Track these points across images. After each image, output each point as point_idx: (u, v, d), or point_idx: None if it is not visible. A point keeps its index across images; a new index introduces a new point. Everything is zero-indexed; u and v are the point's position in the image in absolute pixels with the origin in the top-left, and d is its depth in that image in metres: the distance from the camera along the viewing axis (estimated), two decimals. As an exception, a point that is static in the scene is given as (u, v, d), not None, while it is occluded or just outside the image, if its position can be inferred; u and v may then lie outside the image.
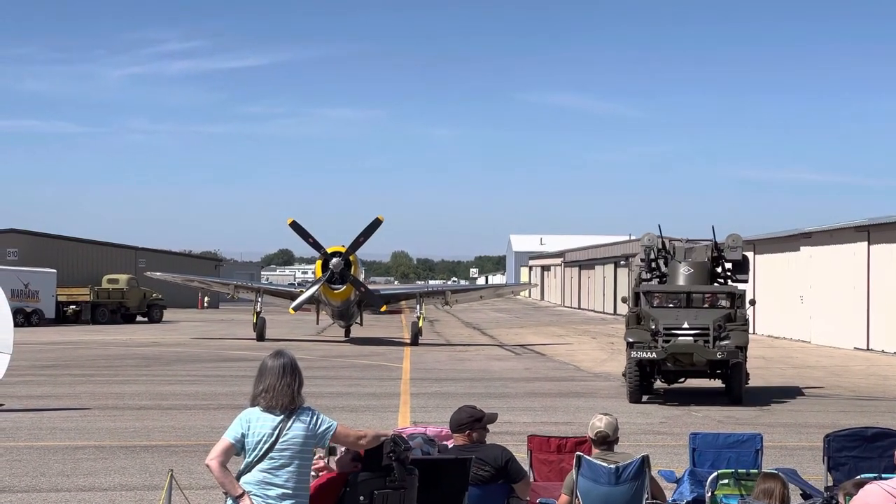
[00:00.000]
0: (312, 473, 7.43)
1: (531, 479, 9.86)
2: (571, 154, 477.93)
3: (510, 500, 9.13)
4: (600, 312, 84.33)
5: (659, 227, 27.24)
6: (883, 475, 8.33)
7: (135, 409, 21.78)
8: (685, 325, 23.81)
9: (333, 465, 7.72)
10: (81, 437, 17.91)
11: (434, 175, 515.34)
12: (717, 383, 25.31)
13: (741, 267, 27.06)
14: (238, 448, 7.01)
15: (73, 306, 63.13)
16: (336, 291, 43.76)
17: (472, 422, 9.12)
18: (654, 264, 26.91)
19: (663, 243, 27.29)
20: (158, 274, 56.39)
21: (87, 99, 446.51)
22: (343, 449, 7.65)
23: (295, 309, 45.83)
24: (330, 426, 7.15)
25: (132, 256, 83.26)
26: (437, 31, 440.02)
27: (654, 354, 23.40)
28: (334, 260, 43.30)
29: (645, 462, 8.82)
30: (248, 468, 7.01)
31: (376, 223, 43.31)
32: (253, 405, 7.12)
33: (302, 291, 47.25)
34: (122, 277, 67.18)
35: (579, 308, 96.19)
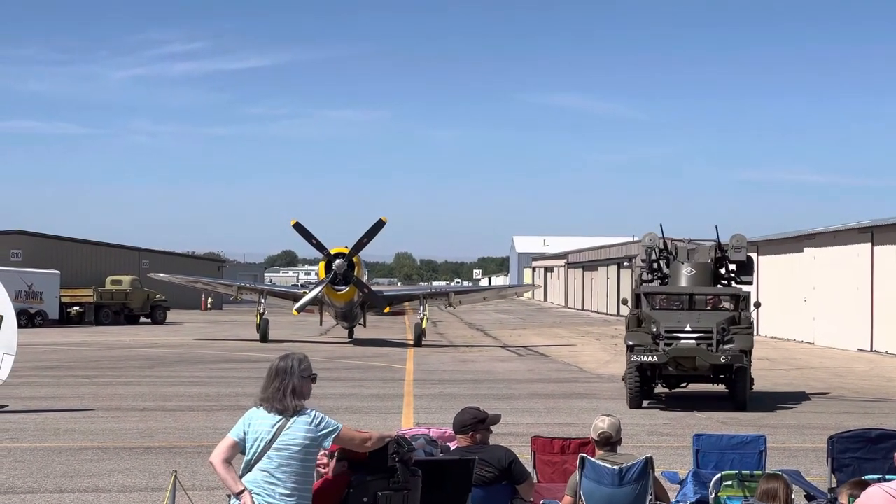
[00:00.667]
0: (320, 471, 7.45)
1: (534, 481, 9.87)
2: (574, 155, 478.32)
3: (513, 502, 9.13)
4: (603, 314, 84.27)
5: (661, 226, 26.71)
6: (887, 476, 8.33)
7: (138, 411, 21.79)
8: (688, 328, 23.12)
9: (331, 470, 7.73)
10: (85, 438, 17.92)
11: (437, 176, 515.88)
12: (721, 388, 24.53)
13: (745, 268, 26.41)
14: (241, 446, 7.08)
15: (77, 308, 63.17)
16: (339, 293, 43.77)
17: (476, 423, 9.11)
18: (655, 265, 26.17)
19: (665, 244, 26.56)
20: (162, 275, 56.42)
21: (90, 100, 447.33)
22: (336, 459, 7.67)
23: (298, 310, 45.84)
24: (333, 429, 7.16)
25: (135, 258, 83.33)
26: (439, 33, 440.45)
27: (656, 358, 22.72)
28: (338, 261, 43.30)
29: (648, 463, 8.81)
30: (249, 467, 7.05)
31: (380, 224, 43.32)
32: (260, 405, 7.18)
33: (305, 293, 47.25)
34: (126, 279, 67.25)
35: (582, 309, 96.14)
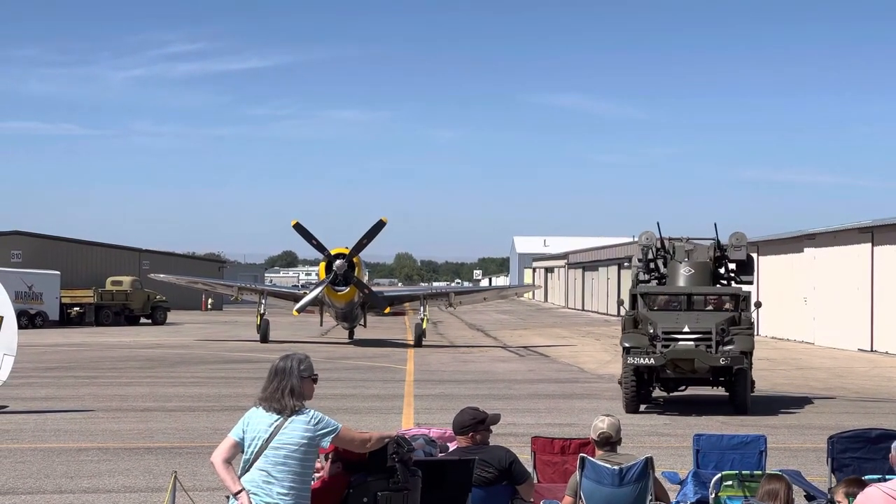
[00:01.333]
0: (316, 475, 7.44)
1: (535, 481, 9.87)
2: (575, 155, 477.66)
3: (514, 502, 9.13)
4: (604, 314, 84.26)
5: (658, 224, 25.61)
6: (886, 476, 8.33)
7: (139, 411, 21.80)
8: (686, 329, 22.39)
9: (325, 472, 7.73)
10: (85, 438, 17.92)
11: (438, 177, 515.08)
12: (721, 391, 23.78)
13: (746, 267, 25.68)
14: (242, 446, 7.09)
15: (77, 308, 63.18)
16: (340, 293, 43.78)
17: (476, 423, 9.11)
18: (652, 265, 25.28)
19: (662, 242, 25.62)
20: (162, 276, 56.42)
21: (91, 101, 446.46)
22: (330, 461, 7.67)
23: (298, 311, 45.84)
24: (333, 429, 7.16)
25: (136, 258, 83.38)
26: (440, 34, 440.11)
27: (653, 360, 22.03)
28: (338, 262, 43.31)
29: (649, 463, 8.81)
30: (247, 466, 7.06)
31: (380, 225, 43.32)
32: (257, 405, 7.19)
33: (305, 293, 47.26)
34: (126, 279, 67.25)
35: (583, 310, 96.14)
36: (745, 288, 24.86)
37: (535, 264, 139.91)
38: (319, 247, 44.26)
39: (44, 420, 20.13)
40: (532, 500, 9.25)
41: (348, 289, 43.60)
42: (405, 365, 34.85)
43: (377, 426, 18.19)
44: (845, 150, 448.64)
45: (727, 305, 23.72)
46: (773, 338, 52.71)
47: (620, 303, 25.38)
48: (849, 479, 8.71)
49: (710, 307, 23.66)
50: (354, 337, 48.45)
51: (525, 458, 10.21)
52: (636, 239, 25.45)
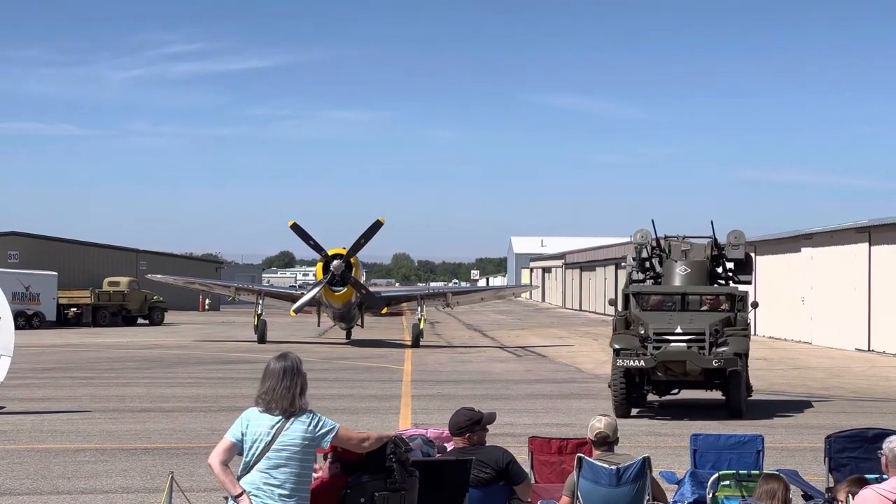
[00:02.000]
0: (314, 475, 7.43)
1: (532, 481, 9.86)
2: (572, 155, 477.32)
3: (511, 502, 9.13)
4: (601, 314, 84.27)
5: (652, 222, 24.62)
6: (882, 477, 8.33)
7: (136, 412, 21.79)
8: (678, 330, 21.61)
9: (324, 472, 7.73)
10: (82, 439, 17.91)
11: (435, 177, 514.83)
12: (717, 395, 22.98)
13: (744, 266, 24.89)
14: (239, 448, 7.05)
15: (74, 309, 63.16)
16: (337, 293, 43.78)
17: (472, 424, 9.10)
18: (648, 264, 24.50)
19: (658, 241, 24.63)
20: (159, 276, 56.41)
21: (90, 102, 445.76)
22: (328, 461, 7.66)
23: (296, 311, 45.85)
24: (331, 429, 7.14)
25: (133, 259, 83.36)
26: (440, 34, 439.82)
27: (643, 363, 21.28)
28: (335, 262, 43.31)
29: (646, 463, 8.81)
30: (247, 468, 7.02)
31: (377, 225, 43.34)
32: (255, 406, 7.15)
33: (303, 294, 47.26)
34: (124, 280, 67.23)
35: (580, 310, 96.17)
36: (742, 287, 24.11)
37: (532, 264, 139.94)
38: (317, 247, 44.28)
39: (41, 421, 20.12)
40: (529, 500, 9.25)
41: (345, 289, 43.61)
42: (402, 365, 34.85)
43: (374, 426, 18.20)
44: (843, 151, 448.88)
45: (724, 306, 22.94)
46: (770, 337, 52.74)
47: (612, 302, 24.53)
48: (852, 478, 8.74)
49: (705, 307, 22.91)
50: (352, 337, 48.45)
51: (522, 458, 10.21)
52: (633, 238, 24.89)
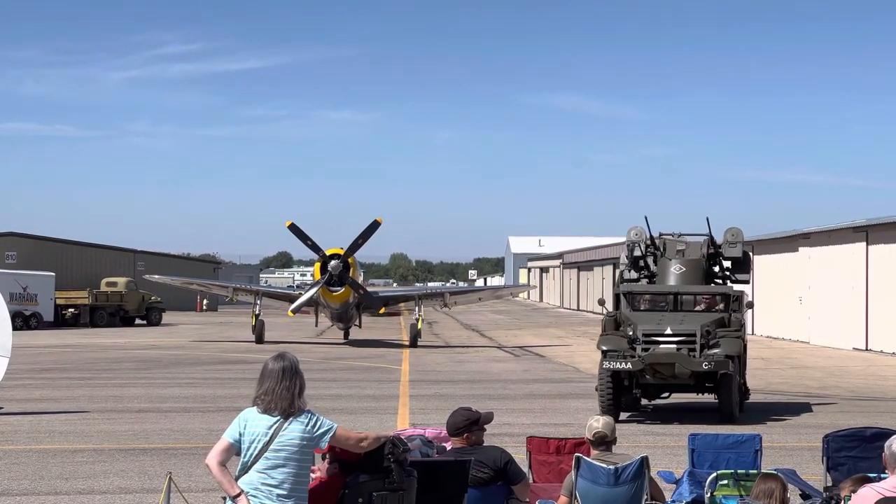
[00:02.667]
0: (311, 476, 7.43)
1: (530, 481, 9.86)
2: (570, 155, 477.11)
3: (509, 502, 9.13)
4: (599, 314, 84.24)
5: (645, 219, 23.59)
6: (882, 475, 8.34)
7: (133, 412, 21.78)
8: (668, 331, 20.76)
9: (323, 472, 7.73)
10: (80, 440, 17.90)
11: (433, 177, 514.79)
12: (712, 398, 21.87)
13: (741, 265, 23.84)
14: (237, 448, 7.04)
15: (72, 309, 63.07)
16: (335, 294, 43.77)
17: (469, 424, 9.10)
18: (642, 262, 23.46)
19: (652, 239, 23.67)
20: (157, 277, 56.37)
21: (88, 102, 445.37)
22: (327, 462, 7.66)
23: (294, 311, 45.85)
24: (329, 429, 7.14)
25: (131, 259, 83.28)
26: (436, 34, 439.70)
27: (630, 365, 20.38)
28: (333, 262, 43.30)
29: (644, 463, 8.82)
30: (245, 469, 7.02)
31: (375, 225, 43.34)
32: (253, 406, 7.14)
33: (301, 294, 47.25)
34: (121, 280, 67.15)
35: (578, 310, 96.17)
36: (738, 287, 23.35)
37: (530, 264, 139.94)
38: (314, 247, 44.27)
39: (39, 421, 20.11)
40: (528, 500, 9.25)
41: (343, 289, 43.60)
42: (400, 365, 34.85)
43: (372, 427, 18.19)
44: (841, 150, 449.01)
45: (719, 306, 22.15)
46: (768, 337, 52.77)
47: (601, 302, 23.80)
48: (856, 477, 8.76)
49: (699, 308, 22.12)
50: (350, 337, 48.43)
51: (520, 458, 10.21)
52: (626, 236, 24.14)
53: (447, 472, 8.38)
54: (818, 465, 11.60)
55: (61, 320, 61.71)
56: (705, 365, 20.36)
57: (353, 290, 44.00)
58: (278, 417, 7.01)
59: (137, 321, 65.29)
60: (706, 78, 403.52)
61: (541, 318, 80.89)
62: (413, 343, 44.76)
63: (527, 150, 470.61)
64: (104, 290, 65.56)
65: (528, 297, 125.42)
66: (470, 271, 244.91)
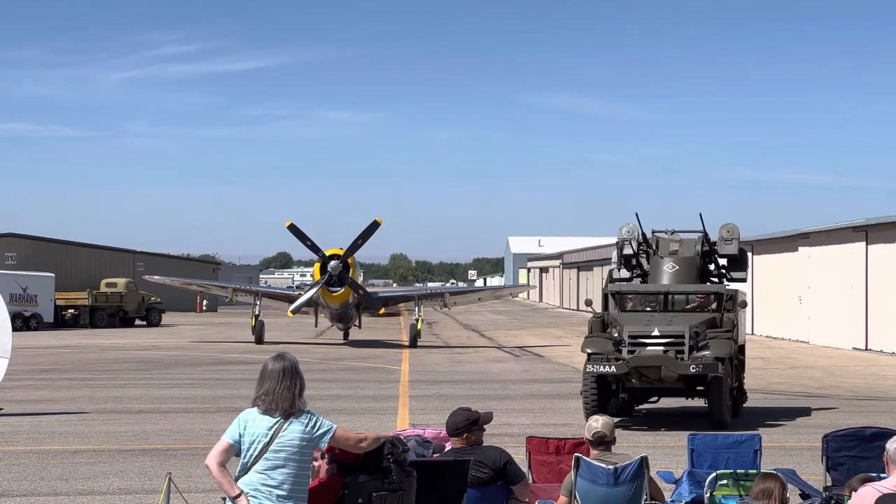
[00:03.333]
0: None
1: (530, 481, 9.87)
2: (570, 156, 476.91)
3: (509, 502, 9.13)
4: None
5: (637, 216, 22.51)
6: (882, 475, 8.35)
7: (133, 413, 21.79)
8: (655, 333, 19.71)
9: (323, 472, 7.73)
10: (80, 440, 17.91)
11: (432, 177, 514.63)
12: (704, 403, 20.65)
13: (738, 263, 22.75)
14: (237, 448, 7.05)
15: (72, 310, 63.09)
16: (334, 294, 43.77)
17: (469, 424, 9.11)
18: (634, 261, 22.41)
19: (644, 236, 22.53)
20: (157, 277, 56.39)
21: (86, 103, 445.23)
22: (326, 462, 7.66)
23: (293, 312, 45.85)
24: (329, 429, 7.15)
25: (130, 260, 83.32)
26: (438, 34, 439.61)
27: (614, 368, 19.26)
28: (332, 262, 43.30)
29: (644, 463, 8.82)
30: (245, 469, 7.03)
31: (374, 225, 43.35)
32: (253, 406, 7.15)
33: (300, 294, 47.25)
34: (121, 281, 67.16)
35: (577, 310, 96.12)
36: (733, 285, 22.47)
37: (529, 264, 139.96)
38: (314, 248, 44.29)
39: (39, 422, 20.11)
40: (527, 500, 9.26)
41: (343, 290, 43.60)
42: (400, 366, 34.86)
43: (372, 427, 18.18)
44: (841, 150, 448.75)
45: (712, 305, 21.13)
46: (767, 337, 52.78)
47: (587, 303, 22.72)
48: (861, 476, 8.77)
49: (691, 307, 21.33)
50: (349, 338, 48.42)
51: (520, 458, 10.22)
52: (617, 234, 23.36)
53: (446, 472, 8.38)
54: (818, 465, 11.60)
55: (61, 321, 61.72)
56: (693, 368, 19.28)
57: (352, 291, 44.01)
58: (279, 418, 7.02)
59: (137, 322, 65.30)
60: (706, 78, 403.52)
61: (540, 318, 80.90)
62: (413, 343, 44.76)
63: (527, 150, 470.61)
64: (104, 291, 65.60)
65: (528, 298, 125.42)
66: (469, 271, 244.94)
